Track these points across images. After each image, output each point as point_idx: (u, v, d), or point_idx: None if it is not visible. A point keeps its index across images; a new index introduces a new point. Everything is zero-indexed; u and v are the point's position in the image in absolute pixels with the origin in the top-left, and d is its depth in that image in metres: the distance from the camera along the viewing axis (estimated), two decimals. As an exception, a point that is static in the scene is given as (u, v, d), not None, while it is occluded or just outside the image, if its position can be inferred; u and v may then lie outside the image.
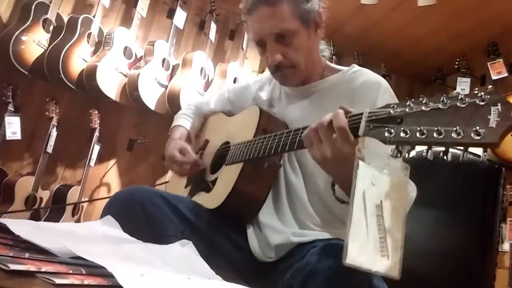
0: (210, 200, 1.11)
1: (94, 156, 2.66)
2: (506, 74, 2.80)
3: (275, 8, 1.06)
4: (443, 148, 0.64)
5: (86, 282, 0.54)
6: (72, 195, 2.58)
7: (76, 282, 0.53)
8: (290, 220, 1.06)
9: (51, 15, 2.55)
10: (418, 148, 0.66)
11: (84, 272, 0.57)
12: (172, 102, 2.74)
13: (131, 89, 2.66)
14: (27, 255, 0.59)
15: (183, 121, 1.43)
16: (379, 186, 0.68)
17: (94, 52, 2.66)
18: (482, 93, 0.59)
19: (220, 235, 1.07)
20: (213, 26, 3.06)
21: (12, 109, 2.43)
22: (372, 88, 1.07)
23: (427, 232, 1.22)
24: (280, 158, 1.10)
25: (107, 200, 1.13)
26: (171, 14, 2.96)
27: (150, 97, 2.70)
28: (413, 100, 0.66)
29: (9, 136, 2.38)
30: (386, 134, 0.66)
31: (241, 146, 1.09)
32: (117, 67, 2.67)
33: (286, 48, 1.09)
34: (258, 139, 1.04)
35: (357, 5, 2.78)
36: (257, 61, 3.37)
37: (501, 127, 0.55)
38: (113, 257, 0.68)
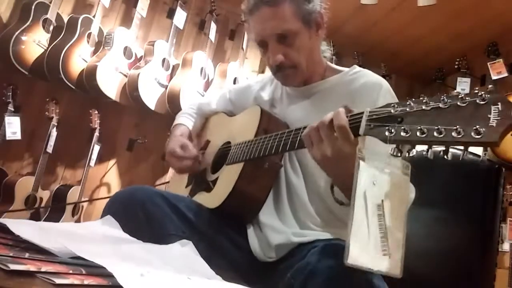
0: (211, 199, 1.11)
1: (94, 156, 2.66)
2: (506, 74, 2.80)
3: (277, 8, 1.07)
4: (443, 148, 0.64)
5: (86, 282, 0.54)
6: (72, 195, 2.58)
7: (76, 282, 0.53)
8: (290, 220, 1.06)
9: (51, 15, 2.55)
10: (419, 148, 0.66)
11: (84, 272, 0.57)
12: (172, 102, 2.73)
13: (131, 89, 2.66)
14: (27, 255, 0.59)
15: (185, 120, 1.43)
16: (380, 185, 0.68)
17: (94, 52, 2.66)
18: (483, 92, 0.59)
19: (220, 235, 1.07)
20: (213, 26, 3.06)
21: (12, 109, 2.43)
22: (373, 89, 1.07)
23: (427, 232, 1.22)
24: (281, 159, 1.10)
25: (107, 200, 1.13)
26: (171, 14, 2.96)
27: (150, 97, 2.70)
28: (413, 99, 0.66)
29: (9, 136, 2.38)
30: (387, 133, 0.66)
31: (242, 146, 1.09)
32: (117, 67, 2.67)
33: (287, 49, 1.09)
34: (259, 138, 1.04)
35: (357, 5, 2.79)
36: (257, 61, 3.38)
37: (502, 126, 0.55)
38: (113, 257, 0.68)
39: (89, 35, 2.65)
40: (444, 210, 1.22)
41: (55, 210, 2.54)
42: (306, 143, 0.83)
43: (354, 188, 0.66)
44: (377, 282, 0.77)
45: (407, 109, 0.66)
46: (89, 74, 2.54)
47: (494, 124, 0.56)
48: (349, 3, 2.84)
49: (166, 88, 2.78)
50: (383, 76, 1.22)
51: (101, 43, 2.69)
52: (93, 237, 0.85)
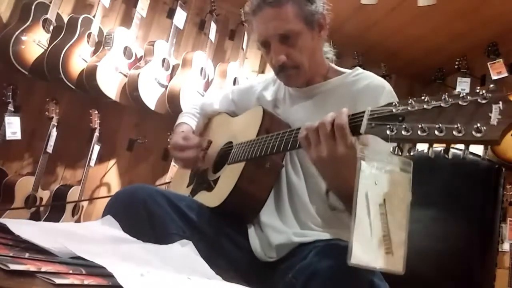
0: (212, 198, 1.11)
1: (94, 156, 2.66)
2: (506, 74, 2.80)
3: (280, 9, 1.07)
4: (443, 146, 0.64)
5: (86, 282, 0.54)
6: (72, 195, 2.58)
7: (76, 282, 0.53)
8: (291, 220, 1.06)
9: (51, 15, 2.55)
10: (419, 147, 0.66)
11: (84, 272, 0.57)
12: (172, 102, 2.73)
13: (131, 89, 2.66)
14: (27, 255, 0.59)
15: (188, 119, 1.43)
16: (382, 185, 0.68)
17: (94, 52, 2.66)
18: (484, 91, 0.59)
19: (221, 235, 1.07)
20: (213, 26, 3.06)
21: (12, 109, 2.43)
22: (376, 91, 1.08)
23: (427, 232, 1.21)
24: (282, 159, 1.10)
25: (107, 199, 1.12)
26: (171, 14, 2.96)
27: (150, 97, 2.70)
28: (414, 98, 0.66)
29: (9, 136, 2.38)
30: (388, 132, 0.66)
31: (243, 145, 1.09)
32: (117, 67, 2.67)
33: (290, 49, 1.10)
34: (260, 138, 1.04)
35: (357, 5, 2.78)
36: (257, 61, 3.38)
37: (503, 125, 0.55)
38: (113, 257, 0.68)
39: (89, 35, 2.65)
40: (444, 210, 1.22)
41: (55, 210, 2.54)
42: (302, 144, 0.84)
43: (356, 188, 0.66)
44: (378, 282, 0.77)
45: (408, 108, 0.66)
46: (89, 74, 2.54)
47: (495, 123, 0.56)
48: (349, 3, 2.84)
49: (166, 88, 2.78)
50: (383, 76, 1.23)
51: (101, 43, 2.69)
52: (93, 237, 0.85)
